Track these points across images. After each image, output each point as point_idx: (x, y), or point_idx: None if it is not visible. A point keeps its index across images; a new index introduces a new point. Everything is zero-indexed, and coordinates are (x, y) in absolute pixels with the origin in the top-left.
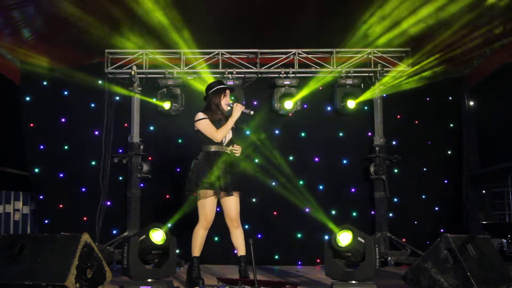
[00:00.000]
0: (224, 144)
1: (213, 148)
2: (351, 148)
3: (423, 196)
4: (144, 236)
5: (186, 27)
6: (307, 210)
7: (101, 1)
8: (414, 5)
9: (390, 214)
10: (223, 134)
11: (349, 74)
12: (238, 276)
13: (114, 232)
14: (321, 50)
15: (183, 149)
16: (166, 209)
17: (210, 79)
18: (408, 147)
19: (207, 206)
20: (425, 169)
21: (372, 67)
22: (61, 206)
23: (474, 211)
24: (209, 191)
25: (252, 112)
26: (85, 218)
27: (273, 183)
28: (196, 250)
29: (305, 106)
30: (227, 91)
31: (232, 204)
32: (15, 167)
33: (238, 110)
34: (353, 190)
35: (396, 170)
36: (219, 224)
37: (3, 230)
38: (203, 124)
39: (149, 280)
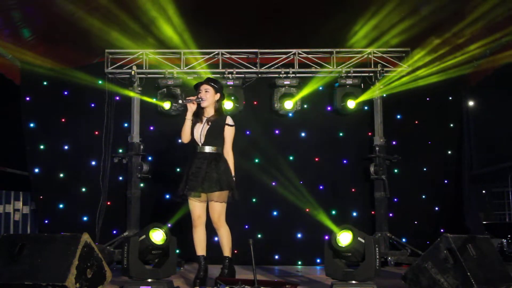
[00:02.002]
0: (200, 144)
1: (196, 149)
2: (351, 148)
3: (423, 196)
4: (144, 236)
5: (186, 27)
6: (307, 210)
7: (102, 1)
8: (414, 4)
9: (390, 214)
10: (183, 134)
11: (349, 74)
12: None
13: (114, 232)
14: (321, 50)
15: (183, 149)
16: (166, 209)
17: None
18: (408, 147)
19: (190, 205)
20: (425, 169)
21: (372, 67)
22: (61, 206)
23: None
24: (192, 192)
25: (180, 101)
26: (85, 218)
27: (273, 183)
28: (197, 249)
29: (305, 106)
30: (200, 88)
31: (212, 205)
32: (15, 167)
33: (189, 106)
34: (353, 190)
35: (396, 170)
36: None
37: (3, 230)
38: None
39: (149, 280)
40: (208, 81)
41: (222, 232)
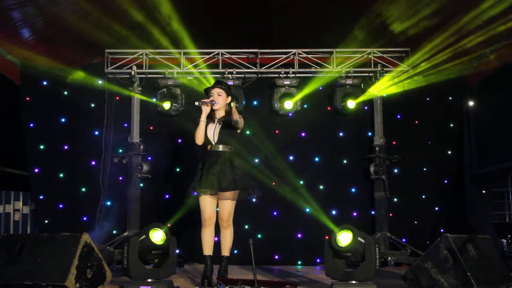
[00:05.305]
0: (214, 143)
1: (207, 148)
2: (351, 148)
3: (423, 196)
4: (144, 236)
5: (186, 27)
6: (307, 210)
7: (102, 1)
8: (414, 4)
9: (390, 214)
10: (197, 136)
11: (349, 74)
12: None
13: (114, 232)
14: (321, 50)
15: (183, 149)
16: (166, 209)
17: (210, 79)
18: (408, 147)
19: (201, 204)
20: (425, 169)
21: (372, 67)
22: (61, 206)
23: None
24: (201, 190)
25: (197, 103)
26: (85, 218)
27: (273, 183)
28: (204, 249)
29: (305, 106)
30: (211, 91)
31: (223, 203)
32: (15, 167)
33: (204, 108)
34: (353, 190)
35: (396, 170)
36: (217, 224)
37: (3, 230)
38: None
39: (149, 280)
40: (219, 84)
41: (228, 232)
